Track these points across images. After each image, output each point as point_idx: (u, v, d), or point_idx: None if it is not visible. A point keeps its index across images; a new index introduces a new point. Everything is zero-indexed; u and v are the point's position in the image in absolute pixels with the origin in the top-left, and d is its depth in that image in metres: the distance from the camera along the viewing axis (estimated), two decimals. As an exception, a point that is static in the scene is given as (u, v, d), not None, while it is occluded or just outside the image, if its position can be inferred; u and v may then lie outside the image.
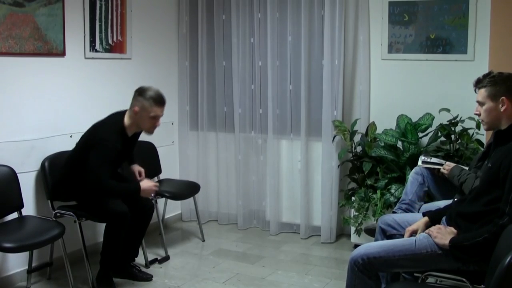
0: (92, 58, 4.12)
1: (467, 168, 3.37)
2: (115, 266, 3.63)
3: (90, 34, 4.08)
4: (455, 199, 2.98)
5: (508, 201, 2.36)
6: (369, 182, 4.23)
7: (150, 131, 3.61)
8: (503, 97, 2.55)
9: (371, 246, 2.63)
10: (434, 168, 3.48)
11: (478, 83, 2.66)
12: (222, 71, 4.96)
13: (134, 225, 3.65)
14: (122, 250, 3.63)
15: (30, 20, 3.66)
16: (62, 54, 3.90)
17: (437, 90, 4.30)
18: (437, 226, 2.63)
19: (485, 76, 2.66)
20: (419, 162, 3.57)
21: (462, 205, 2.67)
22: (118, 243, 3.54)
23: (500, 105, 2.56)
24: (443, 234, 2.53)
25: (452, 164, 3.40)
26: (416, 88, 4.38)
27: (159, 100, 3.51)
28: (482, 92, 2.62)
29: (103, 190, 3.43)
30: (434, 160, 3.55)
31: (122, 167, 3.80)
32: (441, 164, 3.46)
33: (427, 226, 2.75)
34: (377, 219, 3.54)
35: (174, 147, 5.12)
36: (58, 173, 3.63)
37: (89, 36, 4.08)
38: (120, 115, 3.56)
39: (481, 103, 2.64)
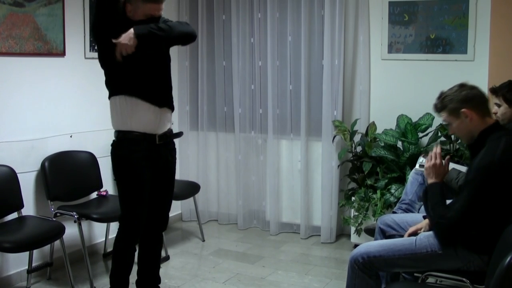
0: (92, 58, 4.10)
1: (464, 170, 3.36)
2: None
3: (90, 34, 4.08)
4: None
5: (454, 208, 2.45)
6: (369, 182, 4.23)
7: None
8: (463, 110, 2.55)
9: (371, 245, 2.63)
10: None
11: (436, 108, 2.68)
12: (222, 71, 4.96)
13: (145, 244, 3.27)
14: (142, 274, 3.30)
15: (30, 20, 3.66)
16: (62, 54, 3.90)
17: (437, 90, 4.21)
18: (433, 162, 2.69)
19: (438, 98, 2.67)
20: (417, 165, 3.57)
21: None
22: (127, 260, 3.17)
23: (465, 118, 2.56)
24: (432, 173, 2.66)
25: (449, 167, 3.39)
26: (416, 88, 4.38)
27: None
28: (444, 114, 2.63)
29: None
30: None
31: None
32: None
33: (429, 225, 2.77)
34: (377, 219, 3.54)
35: (174, 147, 5.11)
36: None
37: (89, 36, 4.08)
38: None
39: (449, 124, 2.65)
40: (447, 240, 2.48)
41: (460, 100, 2.55)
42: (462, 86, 2.61)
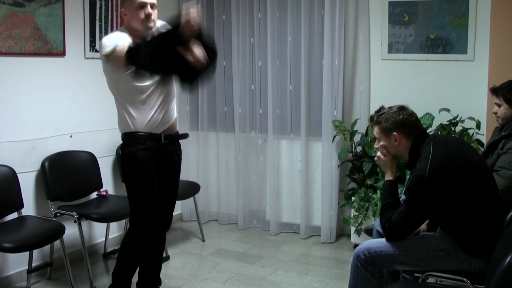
0: (92, 58, 4.11)
1: None
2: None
3: (90, 34, 4.08)
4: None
5: (397, 210, 2.50)
6: (369, 182, 4.23)
7: (145, 25, 2.93)
8: (394, 133, 2.61)
9: (373, 241, 2.67)
10: None
11: (371, 119, 2.72)
12: (222, 71, 4.96)
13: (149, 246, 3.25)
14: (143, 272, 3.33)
15: (30, 20, 3.66)
16: (62, 54, 3.90)
17: (437, 90, 4.30)
18: (383, 159, 2.71)
19: (376, 112, 2.71)
20: None
21: None
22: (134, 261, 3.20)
23: (394, 140, 2.62)
24: (385, 168, 2.72)
25: None
26: (416, 88, 4.38)
27: None
28: (376, 129, 2.69)
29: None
30: None
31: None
32: None
33: (428, 226, 2.78)
34: (375, 221, 3.54)
35: (174, 147, 5.11)
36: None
37: (89, 36, 4.08)
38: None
39: (377, 139, 2.71)
40: (393, 240, 2.55)
41: (395, 123, 2.61)
42: (402, 109, 2.65)
